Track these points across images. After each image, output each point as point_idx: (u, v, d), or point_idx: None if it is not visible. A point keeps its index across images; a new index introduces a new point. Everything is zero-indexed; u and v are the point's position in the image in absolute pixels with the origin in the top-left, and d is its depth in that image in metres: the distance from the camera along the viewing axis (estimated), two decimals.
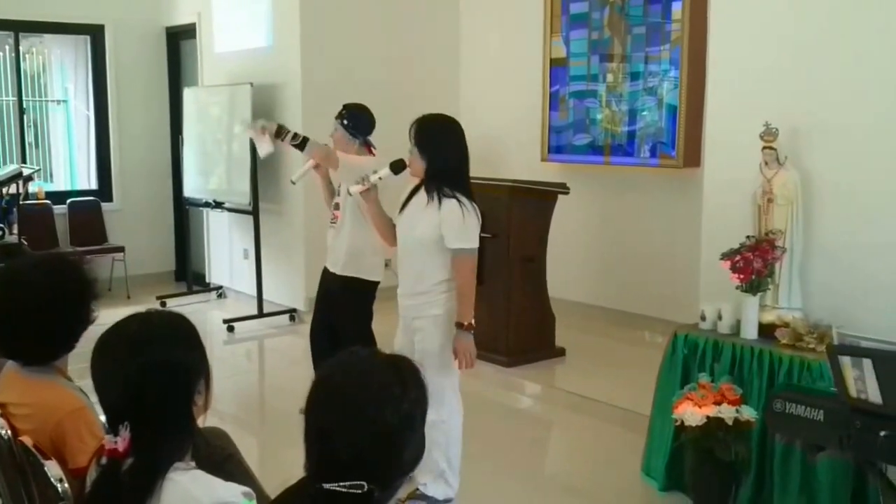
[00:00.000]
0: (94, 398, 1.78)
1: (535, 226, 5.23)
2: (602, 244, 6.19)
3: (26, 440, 1.99)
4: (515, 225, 5.14)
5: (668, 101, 5.52)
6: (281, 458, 3.93)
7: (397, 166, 3.39)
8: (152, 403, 1.59)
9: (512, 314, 5.16)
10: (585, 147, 6.05)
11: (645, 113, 5.66)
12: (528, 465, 4.17)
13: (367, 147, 4.33)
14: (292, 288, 6.81)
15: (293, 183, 4.72)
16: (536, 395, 4.99)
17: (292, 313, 6.76)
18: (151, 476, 1.55)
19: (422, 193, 3.33)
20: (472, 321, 3.29)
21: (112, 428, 1.60)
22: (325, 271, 4.44)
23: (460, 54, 7.27)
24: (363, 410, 1.41)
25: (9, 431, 2.04)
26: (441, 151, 3.28)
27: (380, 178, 3.39)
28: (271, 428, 4.73)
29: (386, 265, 6.35)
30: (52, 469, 1.86)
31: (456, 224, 3.20)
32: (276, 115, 6.78)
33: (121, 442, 1.56)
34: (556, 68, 6.20)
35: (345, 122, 4.25)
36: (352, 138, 4.26)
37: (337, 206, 4.35)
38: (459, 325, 3.27)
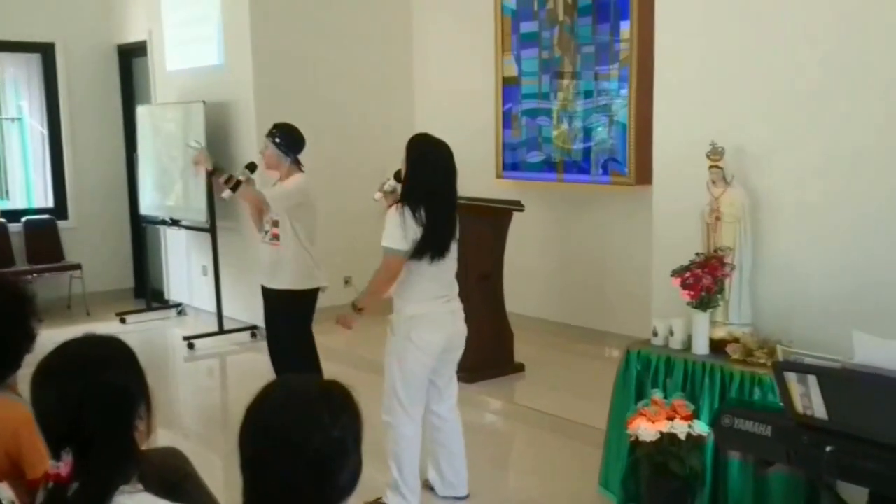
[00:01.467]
0: None
1: (490, 243, 5.23)
2: (558, 260, 6.22)
3: None
4: (471, 242, 5.09)
5: (619, 120, 5.56)
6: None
7: (399, 175, 3.67)
8: (91, 427, 1.57)
9: (470, 330, 5.02)
10: (539, 164, 6.08)
11: (598, 131, 5.71)
12: (488, 479, 4.16)
13: (297, 165, 4.50)
14: (252, 305, 6.69)
15: (223, 199, 4.98)
16: (496, 411, 4.99)
17: (253, 330, 6.69)
18: (97, 500, 1.54)
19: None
20: (362, 307, 3.53)
21: (54, 453, 1.58)
22: (263, 289, 4.65)
23: (413, 72, 7.26)
24: (291, 439, 1.40)
25: None
26: (411, 168, 3.48)
27: (393, 187, 3.79)
28: (233, 444, 4.62)
29: (346, 282, 6.37)
30: (3, 492, 1.88)
31: (386, 224, 3.41)
32: (230, 132, 6.73)
33: (63, 467, 1.54)
34: (509, 87, 6.22)
35: (276, 140, 4.41)
36: (283, 156, 4.43)
37: (276, 224, 4.49)
38: (353, 304, 3.54)
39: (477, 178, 6.40)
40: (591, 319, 5.95)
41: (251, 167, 4.64)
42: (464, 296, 5.08)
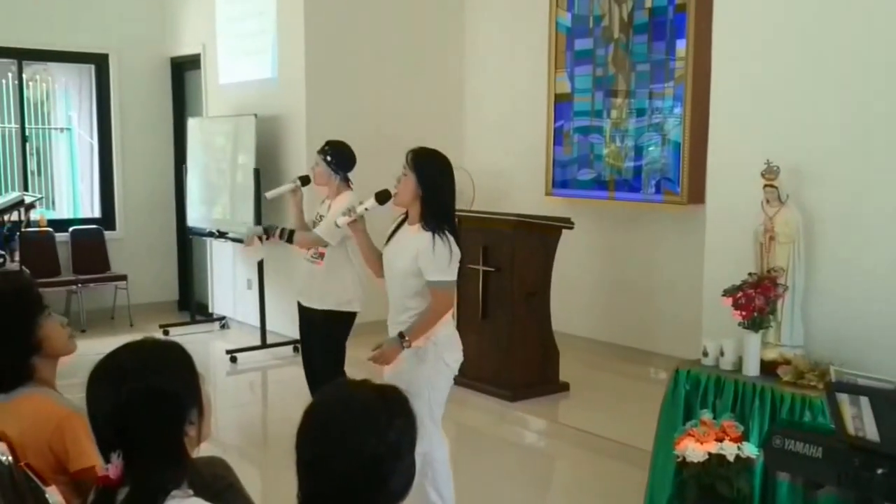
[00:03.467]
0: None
1: (538, 260, 5.35)
2: (606, 279, 6.31)
3: (24, 466, 2.06)
4: (519, 259, 5.26)
5: (672, 138, 5.66)
6: (283, 489, 3.97)
7: (383, 197, 3.52)
8: (141, 432, 1.61)
9: (515, 348, 5.27)
10: (590, 182, 6.19)
11: (650, 149, 5.81)
12: (531, 500, 4.24)
13: (347, 183, 4.54)
14: (295, 319, 6.85)
15: (266, 198, 5.04)
16: (540, 430, 5.07)
17: (296, 344, 6.80)
18: (148, 503, 1.59)
19: (406, 225, 3.45)
20: (411, 343, 3.33)
21: (104, 456, 1.63)
22: (301, 307, 4.64)
23: (465, 88, 7.44)
24: (347, 440, 1.46)
25: (10, 457, 2.11)
26: (439, 185, 3.39)
27: (366, 209, 3.52)
28: (273, 459, 4.79)
29: None
30: (53, 496, 1.90)
31: (431, 257, 3.27)
32: (280, 146, 6.94)
33: (112, 469, 1.59)
34: (561, 104, 6.35)
35: (327, 158, 4.46)
36: (333, 174, 4.47)
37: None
38: (401, 336, 3.33)
39: (526, 194, 6.56)
40: (638, 339, 6.02)
41: (304, 180, 4.72)
42: (510, 312, 5.25)
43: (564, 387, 5.46)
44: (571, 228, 5.35)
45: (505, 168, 6.97)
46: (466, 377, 5.46)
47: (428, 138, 6.92)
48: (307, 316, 4.64)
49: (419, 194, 3.34)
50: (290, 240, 4.53)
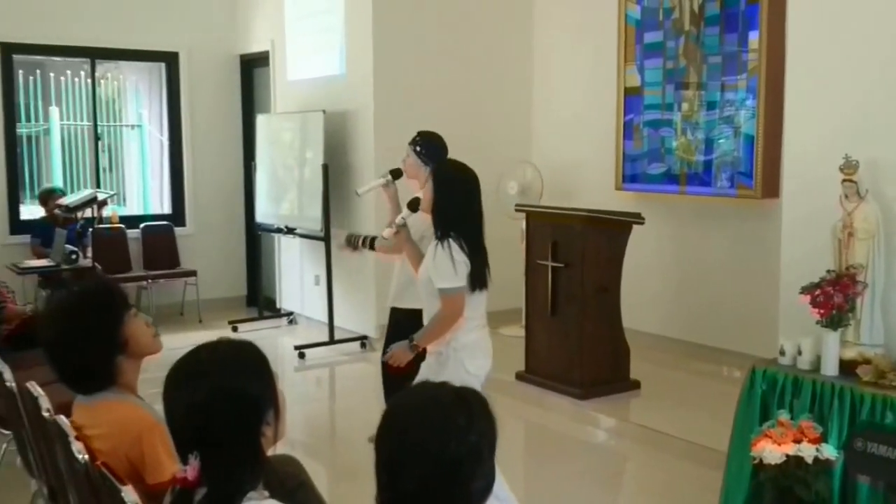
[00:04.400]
0: None
1: (608, 256, 5.36)
2: (678, 275, 6.27)
3: (102, 465, 2.11)
4: (589, 255, 5.28)
5: (745, 131, 5.61)
6: (349, 486, 4.07)
7: (414, 204, 3.66)
8: (219, 432, 1.63)
9: (585, 345, 5.29)
10: (660, 176, 6.17)
11: (721, 142, 5.77)
12: (602, 500, 4.27)
13: None
14: (363, 315, 7.00)
15: (357, 195, 5.01)
16: (610, 429, 5.09)
17: (363, 340, 6.95)
18: None
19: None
20: (421, 347, 3.46)
21: (181, 457, 1.65)
22: (393, 310, 4.64)
23: (533, 83, 7.46)
24: (427, 442, 1.47)
25: (86, 456, 2.17)
26: (445, 194, 3.48)
27: (403, 219, 3.67)
28: (340, 456, 4.90)
29: None
30: (129, 495, 1.93)
31: (433, 265, 3.39)
32: (348, 141, 7.07)
33: (190, 471, 1.61)
34: (630, 97, 6.34)
35: (417, 148, 4.45)
36: (423, 165, 4.43)
37: None
38: (410, 340, 3.45)
39: (595, 189, 6.57)
40: (712, 337, 5.97)
41: (395, 173, 4.61)
42: (579, 309, 5.28)
43: (635, 385, 5.46)
44: (642, 224, 5.35)
45: (574, 163, 6.98)
46: (535, 374, 5.57)
47: (495, 133, 7.14)
48: (394, 317, 4.63)
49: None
50: (372, 246, 4.57)
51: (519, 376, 5.62)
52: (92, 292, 2.42)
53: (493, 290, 7.18)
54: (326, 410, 6.09)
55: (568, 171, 6.98)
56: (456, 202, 3.48)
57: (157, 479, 2.12)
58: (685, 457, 4.52)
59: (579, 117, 6.96)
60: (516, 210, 6.04)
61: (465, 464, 1.49)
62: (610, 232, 5.35)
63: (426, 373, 3.48)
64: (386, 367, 4.72)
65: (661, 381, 5.62)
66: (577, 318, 5.30)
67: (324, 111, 6.95)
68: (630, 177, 6.38)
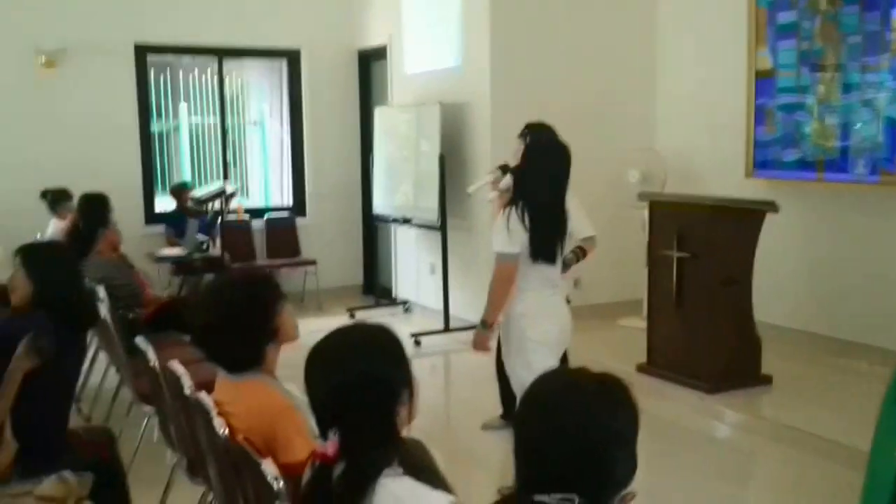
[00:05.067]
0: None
1: (739, 246, 5.14)
2: (814, 266, 5.98)
3: (242, 440, 2.19)
4: (717, 245, 5.09)
5: (887, 114, 5.30)
6: (464, 473, 4.06)
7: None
8: (357, 412, 1.70)
9: (714, 338, 5.11)
10: (795, 163, 5.89)
11: (864, 126, 5.46)
12: (731, 497, 4.12)
13: None
14: (478, 303, 6.90)
15: (469, 194, 5.13)
16: (740, 425, 4.88)
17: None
18: (362, 481, 1.66)
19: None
20: (490, 322, 3.61)
21: (322, 433, 1.74)
22: None
23: (656, 68, 7.27)
24: (570, 425, 1.47)
25: (226, 430, 2.25)
26: (529, 166, 3.58)
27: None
28: (455, 443, 4.88)
29: (575, 284, 6.49)
30: (268, 468, 1.99)
31: (495, 227, 3.54)
32: (464, 133, 7.06)
33: (330, 447, 1.68)
34: (762, 80, 6.07)
35: (528, 140, 4.39)
36: None
37: None
38: (483, 323, 3.64)
39: (724, 176, 6.35)
40: (850, 331, 5.68)
41: (504, 168, 4.64)
42: (707, 301, 5.11)
43: (767, 379, 5.22)
44: (776, 212, 5.12)
45: (699, 149, 6.76)
46: (658, 367, 5.43)
47: (616, 121, 7.00)
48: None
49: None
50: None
51: (640, 368, 5.49)
52: (253, 282, 2.52)
53: (612, 282, 7.16)
54: (441, 398, 6.11)
55: (693, 158, 6.77)
56: (533, 170, 3.53)
57: (289, 459, 2.18)
58: (821, 454, 4.31)
59: (705, 102, 6.73)
60: (639, 199, 5.89)
61: (609, 449, 1.47)
62: (740, 221, 5.13)
63: (503, 343, 3.68)
64: (498, 352, 4.77)
65: (795, 377, 5.37)
66: (705, 310, 5.12)
67: (440, 103, 6.96)
68: (761, 163, 6.13)
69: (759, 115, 6.12)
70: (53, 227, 6.34)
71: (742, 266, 5.16)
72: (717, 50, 6.61)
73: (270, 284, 2.52)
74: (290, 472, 2.08)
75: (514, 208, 3.47)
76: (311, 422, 1.90)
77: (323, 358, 1.78)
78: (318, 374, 1.76)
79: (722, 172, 6.42)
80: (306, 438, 2.21)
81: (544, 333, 3.54)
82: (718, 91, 6.55)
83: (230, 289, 2.50)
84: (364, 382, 1.72)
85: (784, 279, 6.05)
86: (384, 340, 1.82)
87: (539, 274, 3.53)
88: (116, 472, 2.93)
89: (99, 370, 5.25)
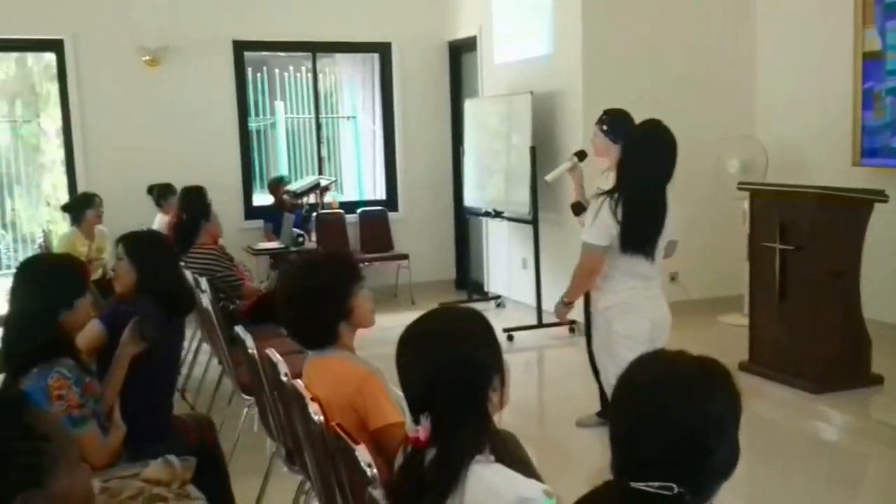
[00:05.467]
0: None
1: (845, 237, 4.93)
2: None
3: (336, 426, 2.20)
4: (823, 236, 4.89)
5: None
6: (557, 470, 4.01)
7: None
8: (449, 396, 1.71)
9: (819, 335, 4.91)
10: None
11: None
12: (838, 502, 3.96)
13: None
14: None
15: (547, 182, 5.13)
16: (848, 427, 4.67)
17: (572, 325, 6.85)
18: (454, 466, 1.67)
19: None
20: (570, 301, 3.72)
21: (414, 418, 1.75)
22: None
23: (756, 52, 7.04)
24: (668, 411, 1.44)
25: (321, 418, 2.28)
26: (627, 157, 3.55)
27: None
28: (549, 440, 4.86)
29: (672, 278, 6.36)
30: (362, 454, 2.01)
31: (587, 217, 3.53)
32: (556, 123, 6.99)
33: (422, 431, 1.70)
34: (870, 62, 5.82)
35: (604, 127, 4.44)
36: (612, 143, 4.42)
37: None
38: (562, 300, 3.72)
39: (828, 164, 6.11)
40: None
41: (580, 155, 4.76)
42: (812, 295, 4.92)
43: (877, 380, 4.99)
44: (885, 201, 4.88)
45: (803, 136, 6.51)
46: (760, 365, 5.25)
47: (714, 108, 6.83)
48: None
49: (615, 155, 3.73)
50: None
51: (741, 366, 5.31)
52: (331, 260, 2.66)
53: (711, 276, 6.98)
54: (535, 394, 6.06)
55: (796, 146, 6.53)
56: (633, 160, 3.48)
57: (379, 424, 2.27)
58: None
59: (809, 87, 6.48)
60: (738, 189, 5.71)
61: (709, 436, 1.44)
62: (847, 211, 4.92)
63: (593, 338, 3.80)
64: (590, 346, 4.73)
65: None
66: (810, 306, 4.94)
67: (531, 93, 6.91)
68: (869, 151, 5.87)
69: (867, 100, 5.87)
70: (159, 222, 6.59)
71: (849, 259, 4.95)
72: (820, 31, 6.36)
73: (347, 265, 2.61)
74: (385, 436, 2.19)
75: (608, 199, 3.42)
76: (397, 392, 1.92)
77: (415, 341, 1.79)
78: (410, 357, 1.77)
79: (827, 160, 6.17)
80: (393, 403, 2.28)
81: (631, 327, 3.49)
82: (822, 74, 6.30)
83: (309, 265, 2.64)
84: (456, 366, 1.72)
85: (894, 273, 5.77)
86: (475, 324, 1.83)
87: (629, 267, 3.48)
88: (218, 458, 3.01)
89: (202, 361, 5.43)
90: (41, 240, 6.80)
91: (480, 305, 7.97)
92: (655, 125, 3.56)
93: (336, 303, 2.48)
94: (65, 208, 6.50)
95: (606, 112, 4.52)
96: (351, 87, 9.64)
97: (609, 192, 3.47)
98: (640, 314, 3.52)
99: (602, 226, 3.41)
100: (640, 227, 3.44)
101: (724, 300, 6.71)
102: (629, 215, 3.40)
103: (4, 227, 9.28)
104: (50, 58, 7.85)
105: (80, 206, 6.30)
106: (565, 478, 3.72)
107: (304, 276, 2.57)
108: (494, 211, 7.50)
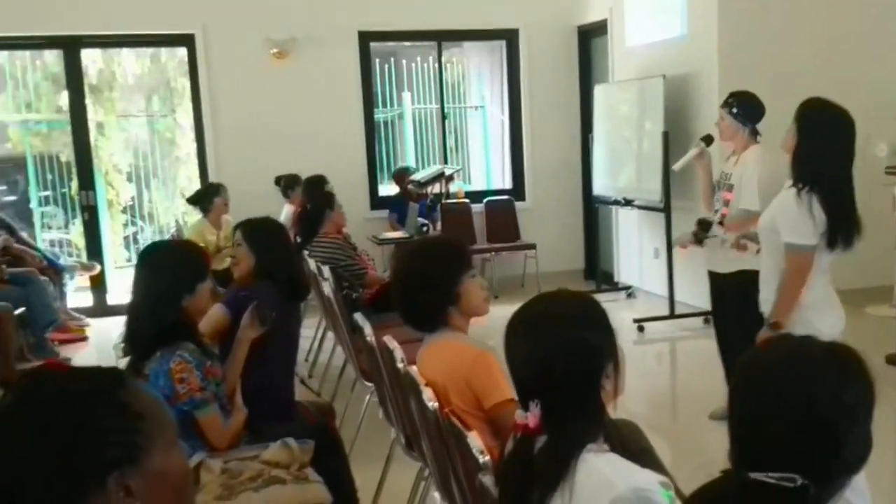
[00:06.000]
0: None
1: None
2: None
3: (449, 412, 2.22)
4: None
5: None
6: (687, 463, 3.91)
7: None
8: (558, 381, 1.65)
9: None
10: None
11: None
12: None
13: (755, 136, 4.36)
14: (706, 290, 6.67)
15: (674, 171, 4.99)
16: None
17: (706, 316, 6.63)
18: (566, 454, 1.62)
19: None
20: (783, 324, 3.16)
21: (523, 404, 1.70)
22: (711, 274, 4.56)
23: None
24: (792, 399, 1.36)
25: (435, 404, 2.30)
26: (811, 139, 3.17)
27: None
28: (681, 432, 4.75)
29: None
30: (474, 441, 2.01)
31: (784, 214, 3.13)
32: (689, 106, 6.77)
33: (531, 418, 1.65)
34: None
35: (733, 110, 4.31)
36: (740, 126, 4.30)
37: (726, 203, 4.39)
38: (767, 323, 3.21)
39: None
40: None
41: (707, 139, 4.61)
42: None
43: None
44: None
45: None
46: None
47: (860, 90, 6.36)
48: (717, 284, 4.54)
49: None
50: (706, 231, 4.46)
51: (889, 359, 5.05)
52: (440, 245, 2.69)
53: (859, 266, 6.54)
54: (667, 385, 5.93)
55: None
56: (822, 144, 3.16)
57: (496, 400, 2.27)
58: None
59: None
60: (887, 174, 5.35)
61: (839, 425, 1.35)
62: None
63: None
64: (720, 337, 4.54)
65: None
66: None
67: (663, 76, 6.71)
68: None
69: None
70: (286, 212, 6.77)
71: None
72: None
73: (458, 251, 2.61)
74: (501, 411, 2.20)
75: (800, 192, 3.13)
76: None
77: (524, 324, 1.75)
78: (520, 340, 1.73)
79: None
80: (507, 380, 2.19)
81: (833, 325, 3.25)
82: None
83: (418, 250, 2.66)
84: (567, 350, 1.67)
85: None
86: (588, 308, 1.77)
87: (823, 261, 3.26)
88: (337, 443, 3.05)
89: (327, 348, 5.55)
90: (174, 230, 7.09)
91: (610, 296, 7.86)
92: (832, 105, 3.30)
93: (442, 288, 2.49)
94: (190, 200, 6.70)
95: (734, 94, 4.39)
96: (479, 75, 9.64)
97: (796, 184, 3.18)
98: (835, 308, 3.32)
99: (805, 222, 3.12)
100: (843, 215, 3.19)
101: (871, 291, 6.33)
102: (834, 207, 3.14)
103: (142, 218, 9.83)
104: (182, 53, 8.15)
105: (208, 196, 6.49)
106: (696, 471, 3.58)
107: (412, 260, 2.59)
108: (625, 199, 7.36)
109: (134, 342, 2.70)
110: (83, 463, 1.08)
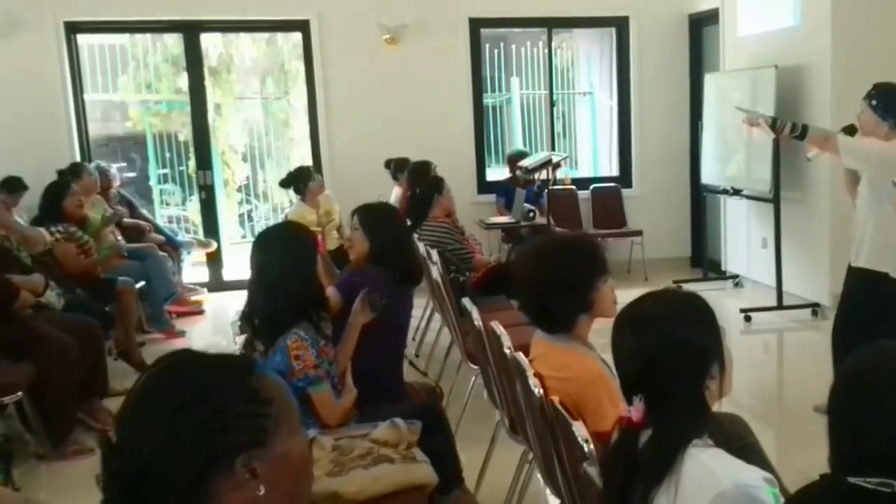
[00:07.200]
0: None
1: None
2: None
3: (556, 400, 2.21)
4: None
5: None
6: (795, 454, 3.81)
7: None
8: (663, 379, 1.65)
9: None
10: None
11: None
12: None
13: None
14: (815, 281, 6.49)
15: (808, 160, 4.77)
16: None
17: (815, 308, 6.44)
18: (671, 448, 1.62)
19: None
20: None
21: (627, 398, 1.71)
22: (848, 268, 4.31)
23: None
24: (892, 407, 1.34)
25: (541, 391, 2.29)
26: None
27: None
28: (787, 423, 4.63)
29: None
30: (580, 430, 2.01)
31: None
32: (801, 98, 6.52)
33: (635, 412, 1.66)
34: None
35: (874, 102, 4.06)
36: (881, 120, 4.05)
37: None
38: None
39: None
40: None
41: (848, 130, 4.25)
42: None
43: None
44: None
45: None
46: None
47: None
48: (848, 277, 4.31)
49: None
50: (801, 136, 4.31)
51: None
52: (575, 248, 2.48)
53: None
54: (773, 376, 5.78)
55: None
56: None
57: (600, 427, 2.15)
58: None
59: None
60: None
61: None
62: None
63: None
64: (834, 331, 4.34)
65: None
66: None
67: (775, 66, 6.48)
68: None
69: None
70: (396, 194, 6.85)
71: None
72: None
73: (595, 256, 2.44)
74: (600, 439, 2.07)
75: None
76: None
77: (631, 321, 1.75)
78: (626, 337, 1.74)
79: None
80: (618, 408, 2.15)
81: None
82: None
83: (551, 250, 2.48)
84: (671, 348, 1.67)
85: None
86: (696, 307, 1.76)
87: None
88: (443, 423, 3.08)
89: (434, 329, 5.61)
90: (288, 210, 7.26)
91: (717, 284, 7.70)
92: None
93: (577, 296, 2.36)
94: (282, 184, 6.73)
95: (877, 86, 4.13)
96: (588, 62, 9.49)
97: None
98: None
99: None
100: None
101: None
102: None
103: (257, 197, 10.10)
104: (297, 37, 8.26)
105: (301, 181, 6.51)
106: (800, 464, 3.47)
107: (546, 262, 2.43)
108: (733, 189, 7.16)
109: (258, 321, 2.74)
110: (216, 444, 1.13)
